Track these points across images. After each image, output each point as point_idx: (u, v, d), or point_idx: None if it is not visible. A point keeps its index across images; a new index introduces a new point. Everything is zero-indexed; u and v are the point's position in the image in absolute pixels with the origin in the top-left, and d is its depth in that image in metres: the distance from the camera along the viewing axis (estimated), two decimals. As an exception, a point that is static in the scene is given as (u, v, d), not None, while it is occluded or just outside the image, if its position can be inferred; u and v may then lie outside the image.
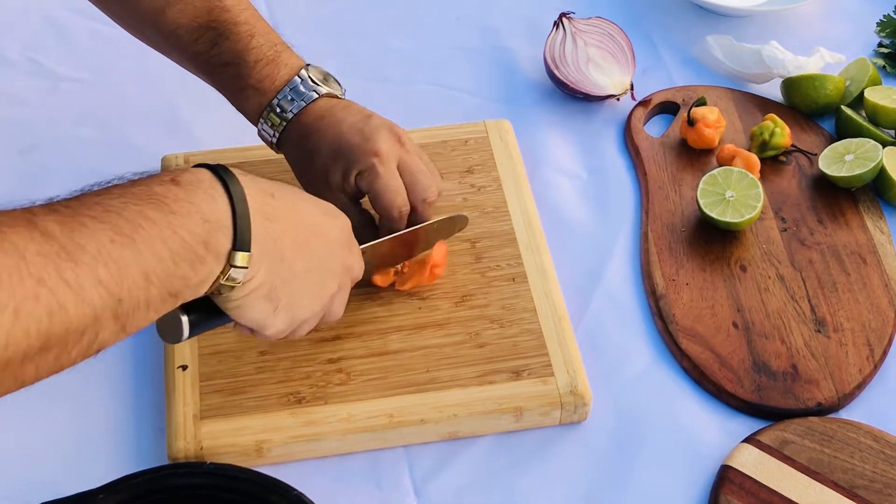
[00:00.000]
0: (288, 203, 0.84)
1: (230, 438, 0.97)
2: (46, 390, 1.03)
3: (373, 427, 0.99)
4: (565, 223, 1.18)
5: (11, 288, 0.65)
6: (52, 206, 0.71)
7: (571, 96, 1.30)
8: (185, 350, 1.02)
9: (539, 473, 0.99)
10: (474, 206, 1.15)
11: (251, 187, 0.79)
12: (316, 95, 1.04)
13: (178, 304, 0.76)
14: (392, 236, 1.03)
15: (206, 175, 0.77)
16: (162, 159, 1.19)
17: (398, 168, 1.02)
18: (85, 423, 1.02)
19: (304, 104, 1.03)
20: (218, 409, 0.99)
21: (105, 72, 1.33)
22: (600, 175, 1.23)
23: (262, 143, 1.13)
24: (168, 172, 0.77)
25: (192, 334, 0.84)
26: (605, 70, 1.29)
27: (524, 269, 1.10)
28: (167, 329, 0.84)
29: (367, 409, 0.99)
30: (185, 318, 0.82)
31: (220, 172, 0.78)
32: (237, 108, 1.07)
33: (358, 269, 0.95)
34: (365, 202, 1.06)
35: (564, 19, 1.31)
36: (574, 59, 1.29)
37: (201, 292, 0.77)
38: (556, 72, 1.29)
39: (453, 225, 1.09)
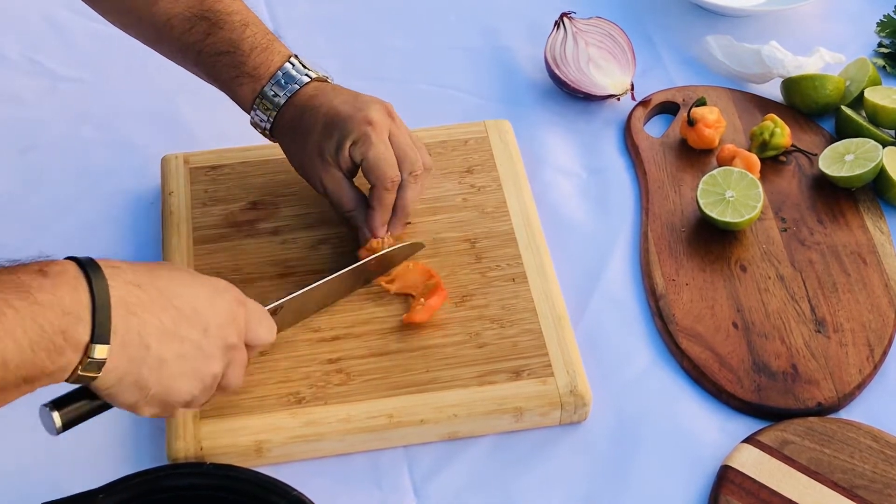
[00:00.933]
0: (158, 293, 0.84)
1: (230, 439, 0.97)
2: (46, 390, 1.03)
3: (372, 427, 0.99)
4: (565, 223, 1.18)
5: None
6: None
7: (572, 96, 1.30)
8: (185, 350, 1.02)
9: (539, 474, 0.99)
10: (474, 206, 1.15)
11: (116, 280, 0.80)
12: (307, 79, 1.07)
13: (33, 390, 0.78)
14: (306, 290, 1.02)
15: (72, 268, 0.79)
16: (162, 159, 1.19)
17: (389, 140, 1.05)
18: (85, 424, 1.01)
19: (297, 87, 1.06)
20: (217, 409, 0.99)
21: (105, 72, 1.33)
22: (600, 175, 1.23)
23: (263, 143, 1.13)
24: (37, 263, 0.78)
25: (68, 427, 0.85)
26: (606, 70, 1.29)
27: (524, 269, 1.10)
28: (45, 422, 0.85)
29: (367, 410, 0.99)
30: (55, 414, 0.84)
31: (86, 266, 0.79)
32: (231, 96, 1.09)
33: (263, 335, 0.93)
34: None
35: (565, 19, 1.31)
36: (574, 59, 1.29)
37: (60, 380, 0.79)
38: (556, 71, 1.29)
39: (403, 253, 1.09)
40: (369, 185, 1.06)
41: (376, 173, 1.03)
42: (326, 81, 1.09)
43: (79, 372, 0.79)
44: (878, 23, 1.39)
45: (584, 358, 1.04)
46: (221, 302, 0.88)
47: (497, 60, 1.36)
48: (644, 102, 1.29)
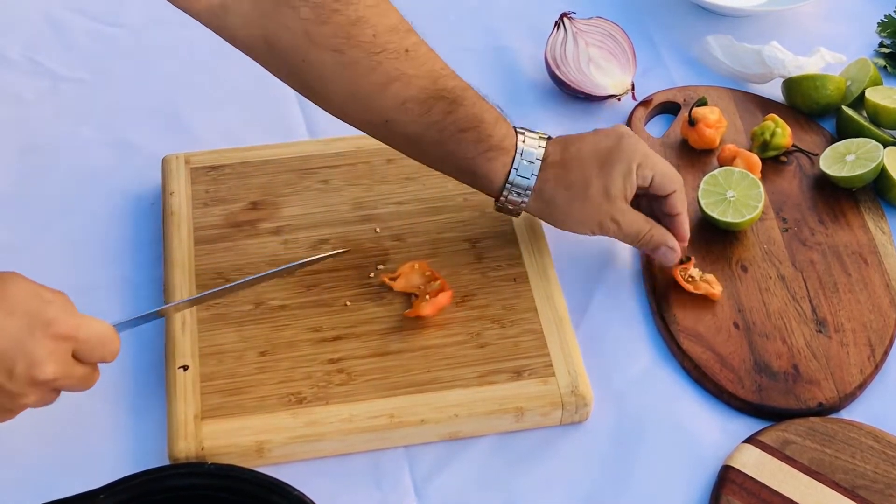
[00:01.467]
0: None
1: (231, 439, 0.97)
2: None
3: (373, 427, 0.99)
4: (566, 223, 1.18)
5: None
6: None
7: (572, 96, 1.30)
8: (186, 350, 1.02)
9: (540, 473, 0.99)
10: (474, 206, 1.15)
11: None
12: (543, 143, 1.05)
13: None
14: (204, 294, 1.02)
15: None
16: (162, 159, 1.19)
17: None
18: (85, 423, 1.02)
19: (546, 142, 1.05)
20: (219, 409, 0.99)
21: (105, 72, 1.33)
22: (601, 175, 1.23)
23: (263, 143, 1.13)
24: None
25: None
26: (606, 70, 1.29)
27: (525, 269, 1.09)
28: None
29: (368, 410, 0.99)
30: None
31: None
32: (477, 174, 1.05)
33: (108, 356, 0.91)
34: None
35: (565, 19, 1.31)
36: (575, 59, 1.29)
37: None
38: (556, 72, 1.29)
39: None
40: (658, 204, 1.08)
41: (669, 180, 1.05)
42: (549, 137, 1.07)
43: None
44: (878, 23, 1.39)
45: (586, 358, 1.04)
46: (34, 342, 0.85)
47: (497, 60, 1.36)
48: (645, 102, 1.29)
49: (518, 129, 1.05)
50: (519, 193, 1.05)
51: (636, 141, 1.06)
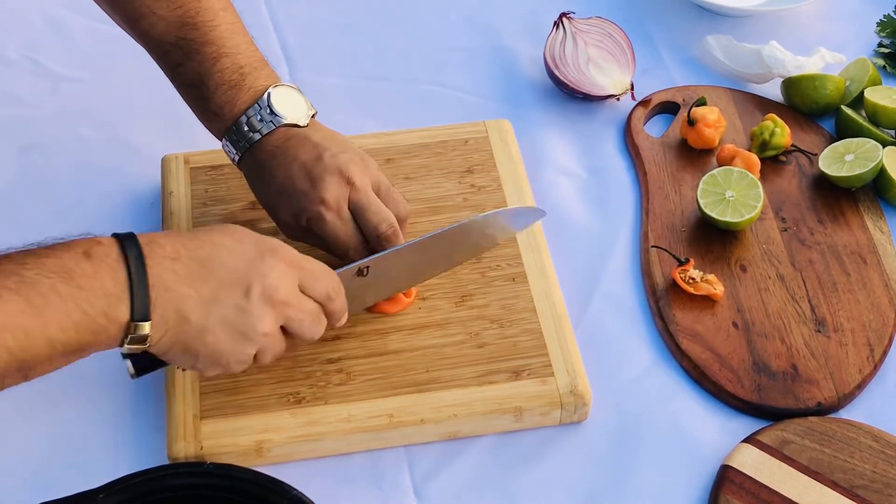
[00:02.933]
0: (196, 264, 0.88)
1: (230, 438, 0.97)
2: (47, 391, 1.03)
3: (373, 427, 0.99)
4: (565, 223, 1.18)
5: None
6: None
7: (571, 96, 1.30)
8: (185, 350, 1.02)
9: (539, 473, 0.99)
10: (474, 206, 1.15)
11: (154, 257, 0.85)
12: (273, 126, 1.03)
13: (84, 357, 0.84)
14: (389, 251, 1.01)
15: (114, 250, 0.85)
16: (162, 159, 1.19)
17: (350, 208, 1.02)
18: (85, 423, 1.02)
19: (261, 136, 1.03)
20: (218, 409, 0.99)
21: (105, 72, 1.33)
22: (600, 175, 1.23)
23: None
24: (82, 243, 0.85)
25: (141, 374, 0.91)
26: (606, 70, 1.29)
27: (524, 268, 1.10)
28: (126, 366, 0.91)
29: (368, 409, 0.99)
30: (128, 362, 0.90)
31: (125, 245, 0.85)
32: (205, 127, 1.08)
33: (319, 291, 0.93)
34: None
35: (564, 19, 1.31)
36: (574, 59, 1.29)
37: (110, 349, 0.85)
38: (556, 72, 1.29)
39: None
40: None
41: (336, 251, 1.02)
42: (297, 126, 1.04)
43: (126, 345, 0.85)
44: (878, 23, 1.39)
45: (585, 358, 1.04)
46: (267, 263, 0.90)
47: (497, 60, 1.36)
48: (644, 102, 1.29)
49: (260, 102, 1.02)
50: (230, 155, 1.06)
51: (328, 197, 1.00)
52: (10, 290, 0.79)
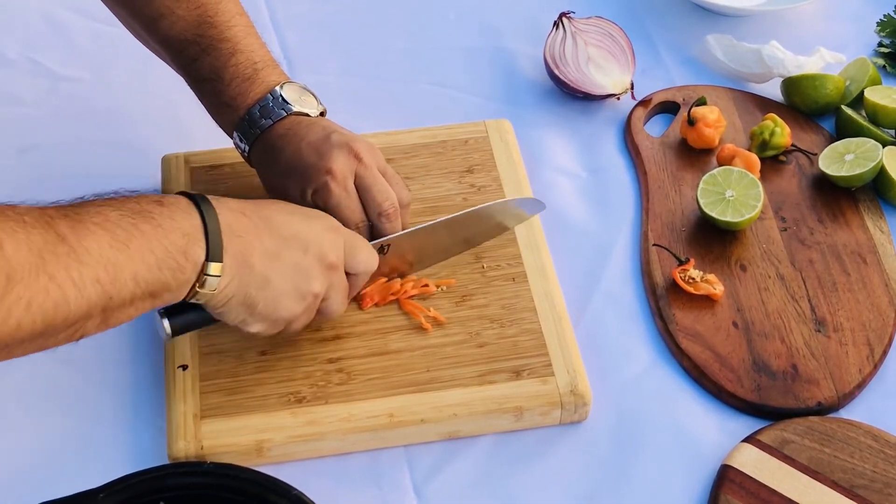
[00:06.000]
0: (261, 220, 0.93)
1: (230, 438, 0.97)
2: (47, 390, 1.03)
3: (373, 427, 0.99)
4: (565, 223, 1.18)
5: (29, 283, 0.76)
6: (64, 211, 0.83)
7: (571, 96, 1.30)
8: (186, 350, 1.03)
9: (539, 473, 0.99)
10: (474, 205, 1.15)
11: (221, 208, 0.90)
12: (284, 114, 1.05)
13: (157, 305, 0.87)
14: (412, 230, 1.05)
15: (184, 200, 0.89)
16: (162, 159, 1.19)
17: (355, 183, 1.03)
18: (85, 423, 1.02)
19: (272, 122, 1.05)
20: (218, 408, 0.99)
21: (105, 72, 1.33)
22: (600, 175, 1.23)
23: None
24: (152, 196, 0.89)
25: (177, 334, 0.95)
26: (606, 69, 1.29)
27: (524, 268, 1.10)
28: (158, 329, 0.95)
29: (368, 409, 0.99)
30: (165, 321, 0.94)
31: (195, 197, 0.89)
32: (216, 122, 1.10)
33: (361, 261, 0.99)
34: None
35: (564, 19, 1.31)
36: (574, 59, 1.29)
37: (180, 297, 0.88)
38: (556, 71, 1.29)
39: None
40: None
41: (339, 220, 1.02)
42: (307, 115, 1.06)
43: (196, 289, 0.88)
44: (878, 22, 1.39)
45: (585, 357, 1.04)
46: (318, 227, 0.95)
47: (497, 60, 1.36)
48: (644, 102, 1.29)
49: (274, 93, 1.05)
50: (240, 149, 1.08)
51: (335, 167, 1.02)
52: (97, 226, 0.82)
